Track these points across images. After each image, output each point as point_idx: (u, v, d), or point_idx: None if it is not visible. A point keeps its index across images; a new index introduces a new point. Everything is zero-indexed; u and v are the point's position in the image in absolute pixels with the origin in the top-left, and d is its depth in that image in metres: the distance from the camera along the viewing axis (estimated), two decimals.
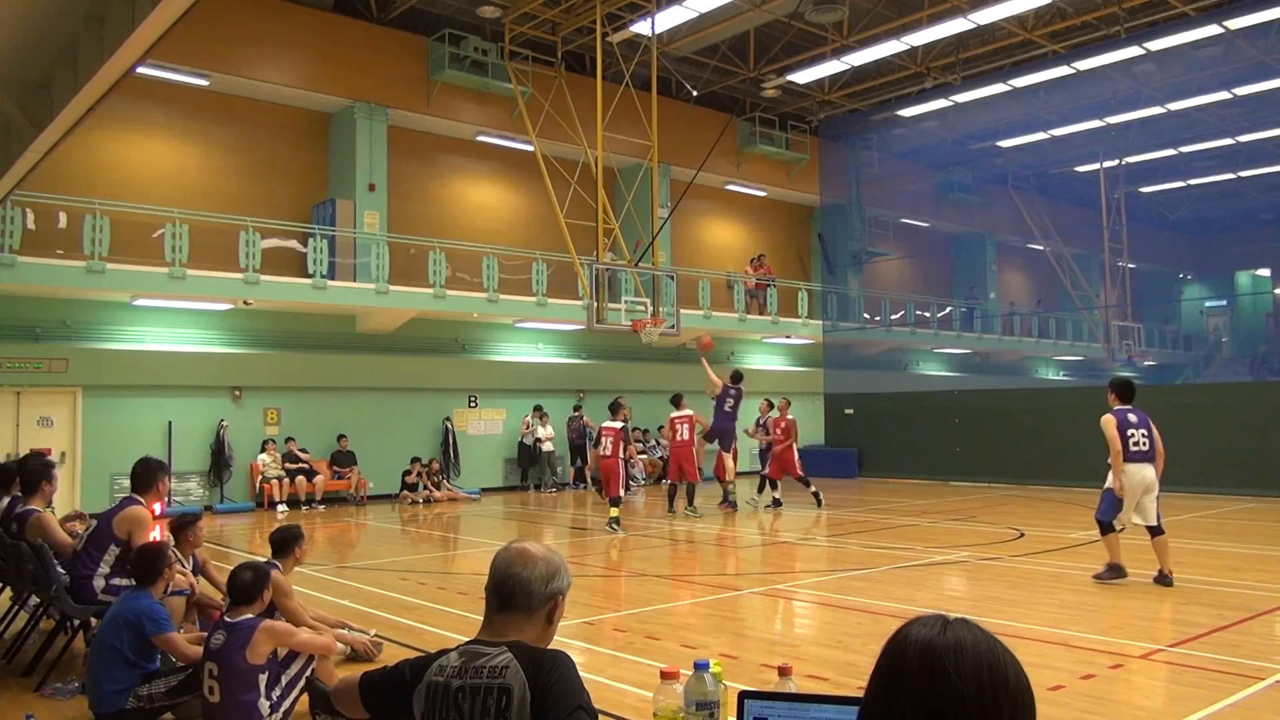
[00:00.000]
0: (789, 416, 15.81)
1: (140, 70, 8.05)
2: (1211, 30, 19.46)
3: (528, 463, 20.25)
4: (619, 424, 14.07)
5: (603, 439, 14.21)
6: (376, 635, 6.51)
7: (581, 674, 2.22)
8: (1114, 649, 6.25)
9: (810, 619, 7.96)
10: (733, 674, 5.24)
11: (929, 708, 1.34)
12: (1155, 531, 8.55)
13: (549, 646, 2.31)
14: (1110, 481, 8.61)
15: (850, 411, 22.68)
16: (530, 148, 19.43)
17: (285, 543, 5.52)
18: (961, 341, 29.95)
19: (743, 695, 2.06)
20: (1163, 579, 8.50)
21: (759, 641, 7.01)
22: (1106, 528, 8.76)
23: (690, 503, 14.76)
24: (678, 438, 15.01)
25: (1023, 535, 12.13)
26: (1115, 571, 8.71)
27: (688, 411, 15.02)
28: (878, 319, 28.23)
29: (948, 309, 30.96)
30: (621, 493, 13.85)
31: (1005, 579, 9.24)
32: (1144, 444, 8.55)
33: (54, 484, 6.76)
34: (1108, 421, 8.63)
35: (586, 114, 18.24)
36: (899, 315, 29.12)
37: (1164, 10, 19.16)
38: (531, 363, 21.21)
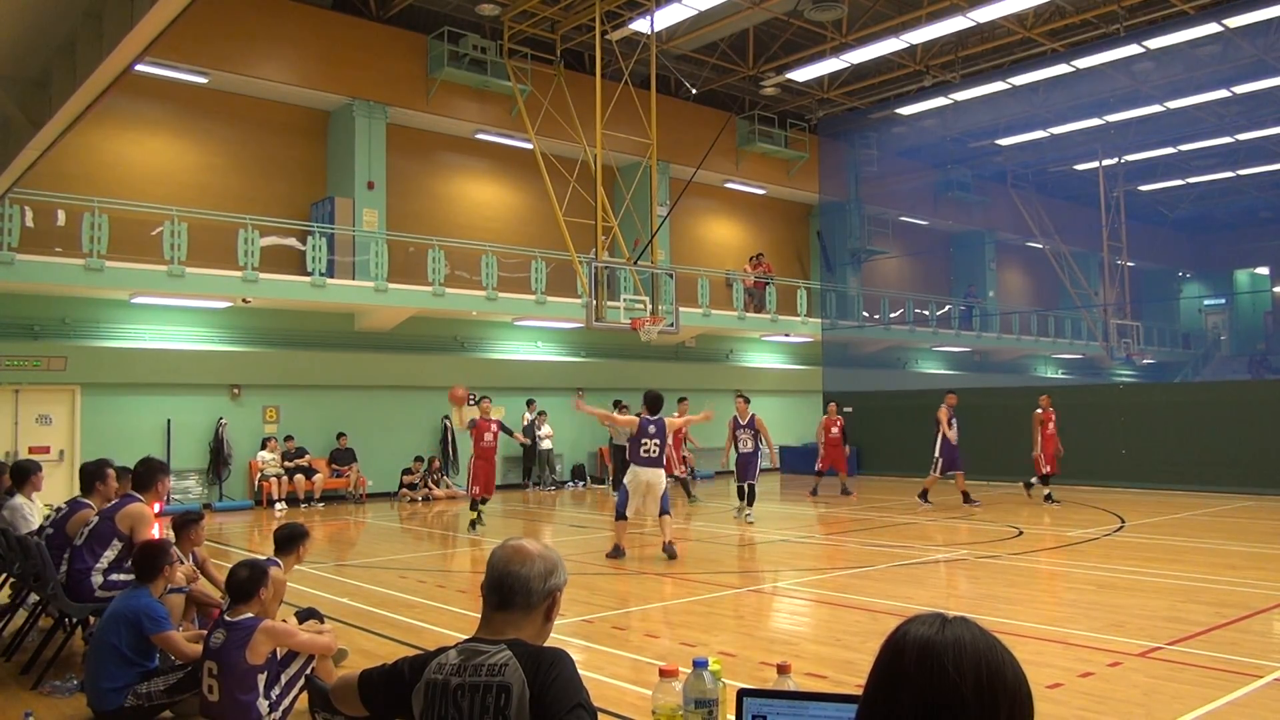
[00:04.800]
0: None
1: (139, 68, 8.06)
2: (1211, 29, 19.46)
3: (530, 461, 20.26)
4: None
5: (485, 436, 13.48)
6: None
7: (580, 672, 2.22)
8: (1112, 647, 6.25)
9: (809, 617, 7.96)
10: (731, 672, 5.24)
11: (928, 705, 1.34)
12: (662, 512, 10.38)
13: (547, 644, 2.31)
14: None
15: (849, 410, 22.66)
16: (529, 146, 19.44)
17: (290, 540, 5.42)
18: (960, 340, 29.97)
19: (741, 693, 2.06)
20: (668, 549, 10.14)
21: (758, 639, 7.01)
22: (620, 515, 10.40)
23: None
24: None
25: (1021, 533, 12.14)
26: (618, 551, 10.33)
27: None
28: (876, 317, 28.24)
29: (946, 307, 30.98)
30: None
31: (1004, 577, 9.25)
32: (654, 451, 10.31)
33: (107, 482, 6.73)
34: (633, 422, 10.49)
35: (585, 112, 18.25)
36: (898, 313, 29.13)
37: (1163, 8, 19.14)
38: (531, 361, 21.21)
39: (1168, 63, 22.07)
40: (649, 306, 17.60)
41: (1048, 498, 15.35)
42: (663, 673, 2.63)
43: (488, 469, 13.47)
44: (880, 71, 23.15)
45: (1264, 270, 39.88)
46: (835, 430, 17.77)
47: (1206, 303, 41.49)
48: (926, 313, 29.97)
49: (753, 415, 14.20)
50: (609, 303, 16.97)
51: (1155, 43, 20.00)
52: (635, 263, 18.32)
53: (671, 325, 17.31)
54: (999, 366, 31.41)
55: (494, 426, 13.52)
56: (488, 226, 21.22)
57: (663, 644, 6.53)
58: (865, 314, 27.84)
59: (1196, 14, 19.06)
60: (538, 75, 20.22)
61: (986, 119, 25.86)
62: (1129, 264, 32.81)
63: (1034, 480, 15.79)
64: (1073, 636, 6.66)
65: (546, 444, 20.15)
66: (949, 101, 24.03)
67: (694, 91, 22.40)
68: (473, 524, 13.23)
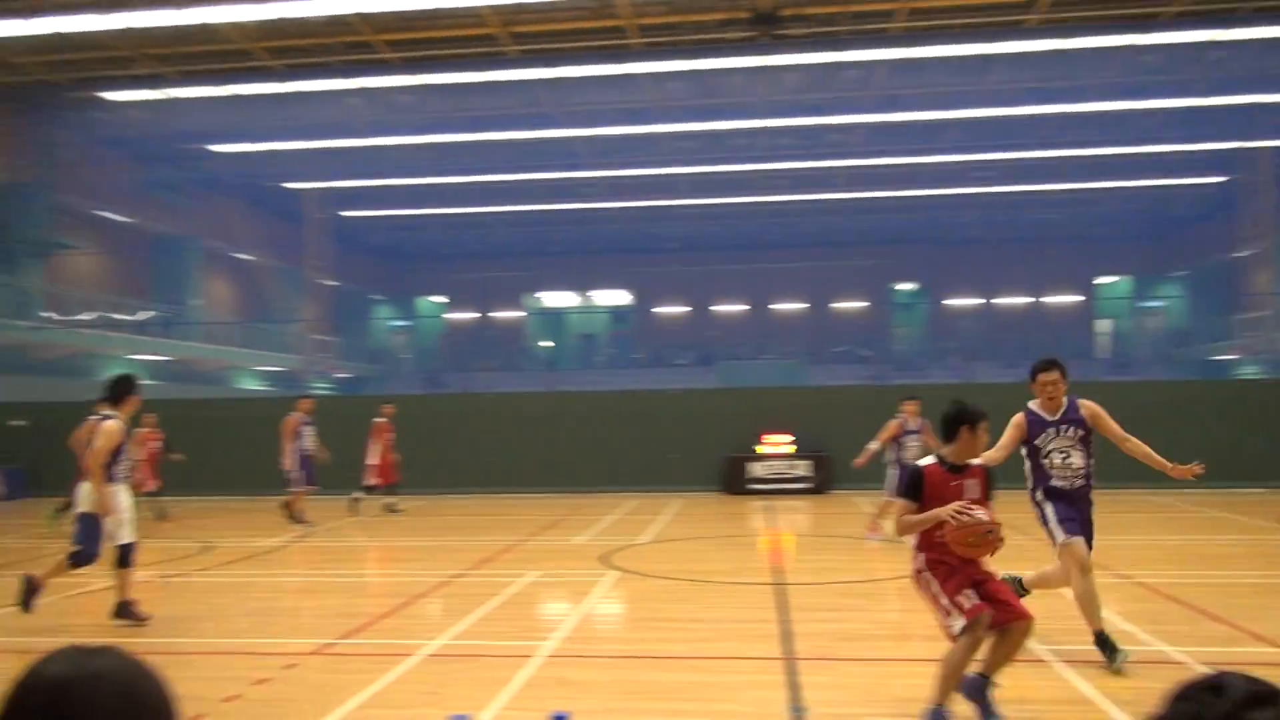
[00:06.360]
0: None
1: None
2: (414, 80, 22.05)
3: None
4: None
5: None
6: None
7: None
8: (289, 649, 6.53)
9: None
10: None
11: None
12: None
13: None
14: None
15: (23, 423, 19.87)
16: None
17: None
18: (162, 348, 28.57)
19: None
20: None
21: None
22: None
23: None
24: None
25: (208, 548, 11.96)
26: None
27: None
28: (64, 318, 25.43)
29: (148, 312, 29.27)
30: None
31: (193, 592, 9.05)
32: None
33: None
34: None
35: None
36: (90, 316, 26.59)
37: (372, 52, 20.83)
38: None
39: (375, 101, 24.26)
40: None
41: (390, 507, 15.47)
42: None
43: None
44: (87, 47, 20.81)
45: (442, 299, 46.45)
46: (155, 444, 15.39)
47: (394, 324, 46.76)
48: (125, 317, 27.93)
49: None
50: None
51: (363, 82, 22.01)
52: None
53: None
54: (202, 378, 30.73)
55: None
56: None
57: None
58: (50, 314, 24.81)
59: (403, 64, 21.21)
60: None
61: (202, 122, 25.28)
62: (332, 283, 35.04)
63: (359, 494, 15.44)
64: (253, 646, 6.81)
65: None
66: (163, 96, 22.89)
67: None
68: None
